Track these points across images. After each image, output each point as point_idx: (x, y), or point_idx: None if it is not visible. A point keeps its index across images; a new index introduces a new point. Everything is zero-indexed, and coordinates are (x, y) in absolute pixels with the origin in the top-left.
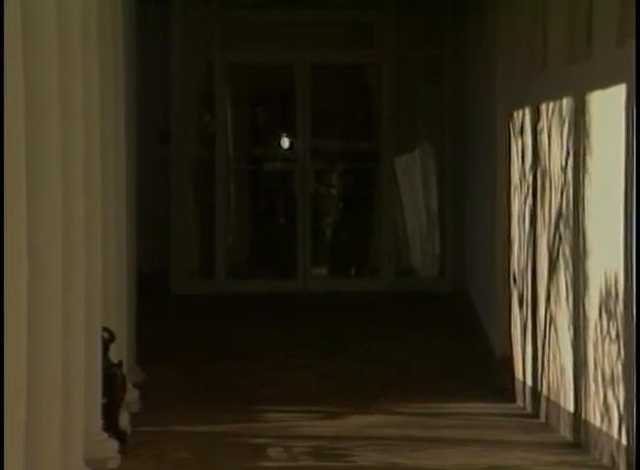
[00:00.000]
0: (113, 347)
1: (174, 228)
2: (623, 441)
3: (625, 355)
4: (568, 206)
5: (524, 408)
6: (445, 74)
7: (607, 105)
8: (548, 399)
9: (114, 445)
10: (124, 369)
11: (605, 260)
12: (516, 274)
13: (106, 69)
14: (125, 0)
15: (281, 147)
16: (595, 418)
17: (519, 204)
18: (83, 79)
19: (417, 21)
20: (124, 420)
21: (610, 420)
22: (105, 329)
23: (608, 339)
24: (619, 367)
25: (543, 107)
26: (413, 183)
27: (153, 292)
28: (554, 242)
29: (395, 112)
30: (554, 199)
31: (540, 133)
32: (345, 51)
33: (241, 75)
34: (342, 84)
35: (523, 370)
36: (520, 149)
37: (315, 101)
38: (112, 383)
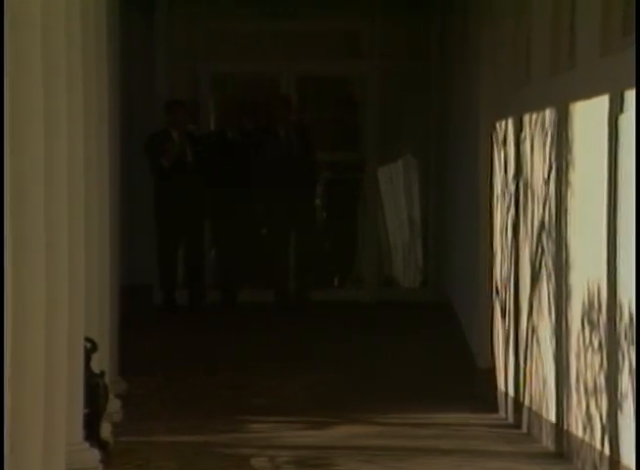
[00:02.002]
0: (95, 357)
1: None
2: (606, 451)
3: (608, 366)
4: (550, 217)
5: (506, 419)
6: (430, 86)
7: (590, 115)
8: (530, 409)
9: (95, 454)
10: (106, 379)
11: (587, 272)
12: (498, 285)
13: (90, 81)
14: (110, 11)
15: None
16: (577, 428)
17: (501, 215)
18: (67, 92)
19: (402, 32)
20: (106, 430)
21: (592, 430)
22: (87, 339)
23: (590, 350)
24: (602, 378)
25: (526, 117)
26: (396, 194)
27: (137, 303)
28: (536, 253)
29: (380, 123)
30: (536, 210)
31: (523, 144)
32: (331, 62)
33: (226, 86)
34: (328, 95)
35: (505, 381)
36: (502, 160)
37: (300, 111)
38: (94, 393)
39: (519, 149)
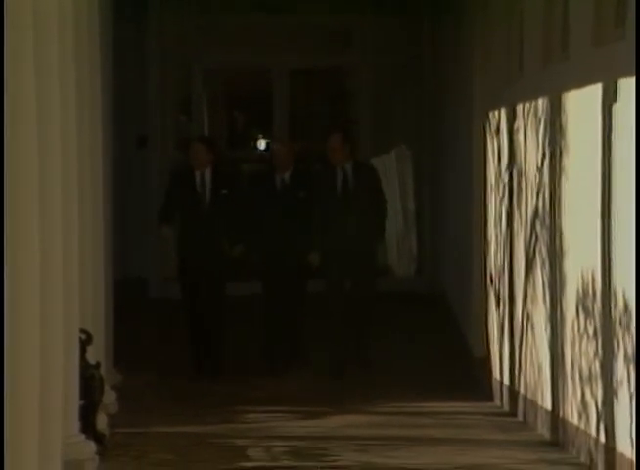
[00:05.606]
0: (90, 348)
1: (152, 232)
2: (601, 438)
3: (603, 353)
4: (544, 205)
5: (501, 407)
6: (423, 77)
7: (583, 104)
8: (525, 397)
9: (91, 446)
10: (102, 371)
11: (581, 259)
12: (493, 274)
13: (82, 74)
14: (102, 5)
15: (257, 149)
16: (573, 416)
17: (495, 203)
18: (60, 86)
19: (394, 24)
20: (102, 422)
21: (587, 418)
22: (82, 330)
23: (585, 337)
24: (597, 365)
25: (519, 107)
26: (390, 184)
27: (131, 295)
28: (531, 241)
29: (373, 114)
30: (530, 198)
31: (516, 133)
32: (323, 54)
33: (218, 79)
34: (321, 87)
35: (500, 369)
36: (496, 149)
37: (293, 104)
38: (89, 384)
39: (512, 138)
